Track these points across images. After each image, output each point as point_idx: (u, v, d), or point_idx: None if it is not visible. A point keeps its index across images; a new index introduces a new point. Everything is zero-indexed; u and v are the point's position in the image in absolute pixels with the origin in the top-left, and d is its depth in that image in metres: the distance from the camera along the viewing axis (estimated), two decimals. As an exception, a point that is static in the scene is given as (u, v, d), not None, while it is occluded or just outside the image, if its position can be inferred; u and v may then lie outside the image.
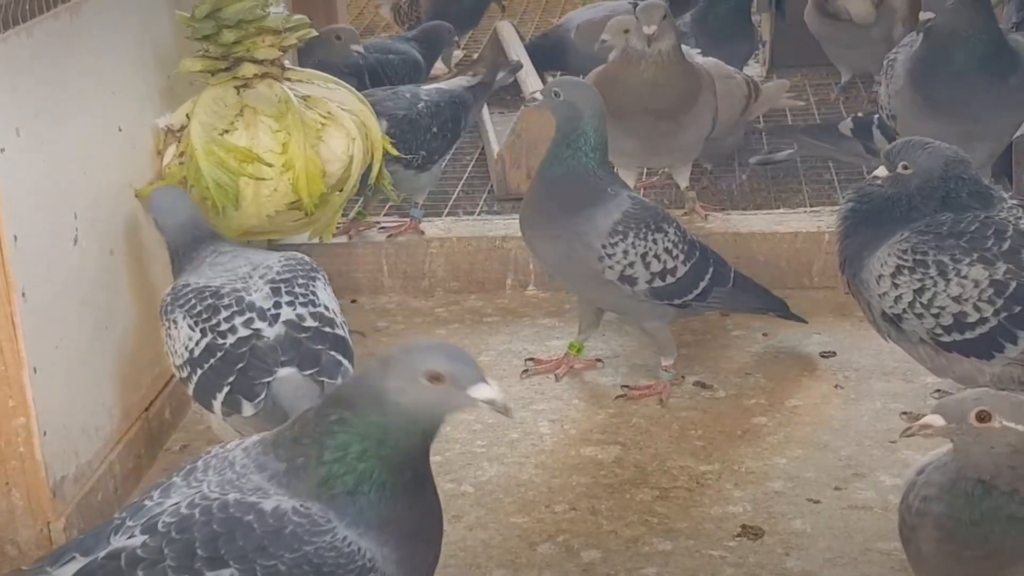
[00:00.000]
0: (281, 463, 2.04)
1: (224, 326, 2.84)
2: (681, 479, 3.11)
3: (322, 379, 2.80)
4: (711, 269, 3.46)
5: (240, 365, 2.79)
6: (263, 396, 2.77)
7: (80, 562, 2.04)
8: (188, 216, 3.11)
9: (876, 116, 4.27)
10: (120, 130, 3.23)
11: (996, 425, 2.06)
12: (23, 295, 2.69)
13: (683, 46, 4.13)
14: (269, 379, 2.78)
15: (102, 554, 2.03)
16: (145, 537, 2.00)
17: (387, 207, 4.48)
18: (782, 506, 2.98)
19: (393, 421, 2.00)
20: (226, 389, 2.79)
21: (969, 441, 2.09)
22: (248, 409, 2.77)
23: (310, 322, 2.87)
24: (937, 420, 2.10)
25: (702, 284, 3.44)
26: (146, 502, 2.08)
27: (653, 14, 3.86)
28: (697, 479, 3.11)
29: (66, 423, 2.88)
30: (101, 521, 2.73)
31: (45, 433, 2.77)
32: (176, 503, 2.04)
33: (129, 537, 2.02)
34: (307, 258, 3.06)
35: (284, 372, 2.79)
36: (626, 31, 4.09)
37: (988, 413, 2.06)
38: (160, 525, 2.01)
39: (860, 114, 4.38)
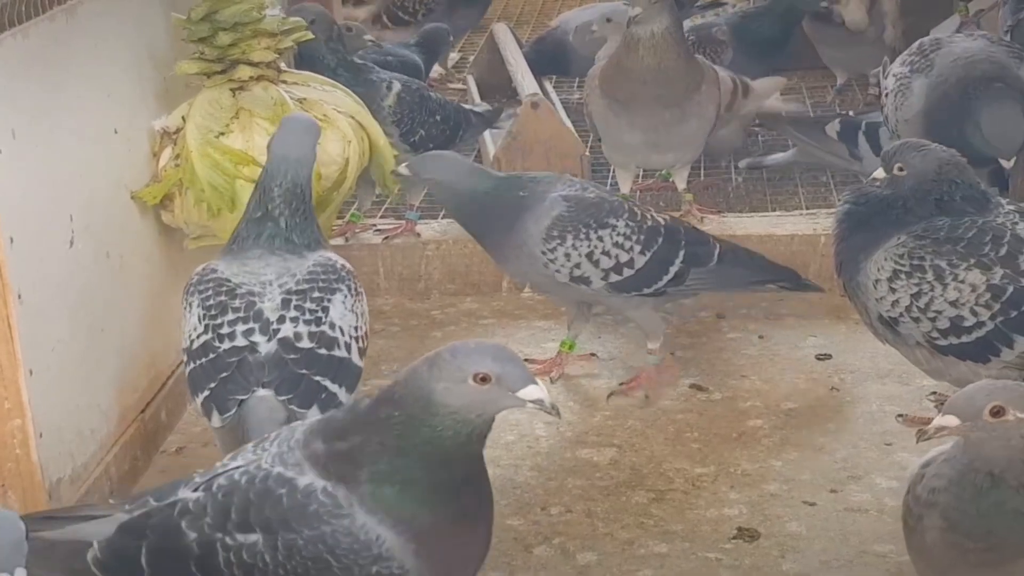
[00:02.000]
0: (322, 444, 2.11)
1: (225, 329, 2.79)
2: (677, 481, 3.11)
3: (292, 407, 2.71)
4: (682, 251, 3.38)
5: (224, 374, 2.75)
6: (232, 412, 2.72)
7: (150, 506, 2.19)
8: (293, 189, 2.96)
9: (864, 121, 4.25)
10: (116, 132, 3.22)
11: (1011, 418, 2.06)
12: (19, 297, 2.69)
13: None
14: (244, 397, 2.72)
15: (166, 502, 2.16)
16: (200, 493, 2.14)
17: (383, 209, 4.48)
18: (778, 508, 2.98)
19: (441, 421, 2.03)
20: (205, 393, 2.77)
21: (984, 436, 2.07)
22: (216, 421, 2.73)
23: (305, 342, 2.78)
24: (951, 420, 2.09)
25: (672, 269, 3.37)
26: (218, 464, 2.21)
27: None
28: (693, 481, 3.11)
29: (62, 425, 2.88)
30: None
31: (41, 435, 2.77)
32: (237, 467, 2.15)
33: (193, 491, 2.15)
34: (339, 265, 2.93)
35: (261, 393, 2.73)
36: (608, 20, 4.04)
37: (1002, 408, 2.06)
38: (215, 486, 2.13)
39: (850, 113, 4.32)
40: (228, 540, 2.09)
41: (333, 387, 2.76)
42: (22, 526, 1.91)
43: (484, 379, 2.03)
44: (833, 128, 4.28)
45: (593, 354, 3.66)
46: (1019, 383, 2.16)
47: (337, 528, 2.05)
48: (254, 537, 2.08)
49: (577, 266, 3.32)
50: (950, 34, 4.10)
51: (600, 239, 3.32)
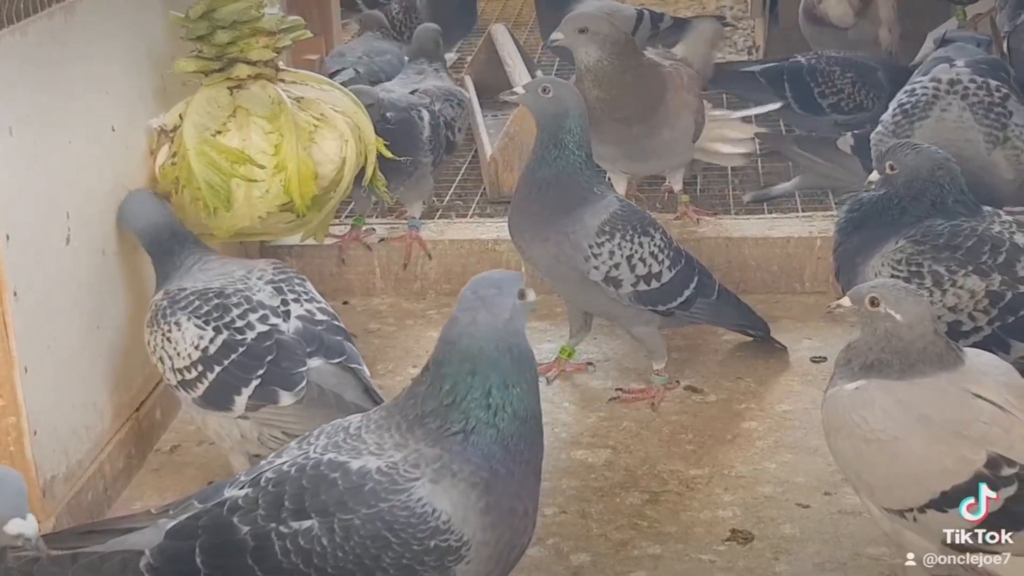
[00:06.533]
0: (400, 415, 2.20)
1: (240, 323, 2.86)
2: (671, 483, 3.11)
3: (353, 366, 2.85)
4: (696, 279, 3.47)
5: (270, 357, 2.82)
6: (303, 384, 2.79)
7: (196, 508, 2.26)
8: (161, 220, 3.15)
9: None
10: (113, 130, 3.22)
11: (881, 310, 2.45)
12: (15, 294, 2.69)
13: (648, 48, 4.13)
14: (304, 368, 2.81)
15: (213, 503, 2.21)
16: (248, 489, 2.19)
17: (379, 209, 4.47)
18: (772, 511, 2.99)
19: (519, 349, 2.21)
20: (255, 383, 2.80)
21: (864, 320, 2.49)
22: (287, 399, 2.79)
23: (320, 316, 2.93)
24: (847, 302, 2.53)
25: (686, 292, 3.45)
26: (262, 462, 2.28)
27: (564, 26, 3.84)
28: (687, 483, 3.11)
29: (56, 423, 2.88)
30: (91, 521, 2.75)
31: (35, 433, 2.77)
32: (283, 462, 2.21)
33: (239, 489, 2.19)
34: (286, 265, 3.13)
35: (315, 362, 2.83)
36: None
37: (877, 299, 2.46)
38: (263, 480, 2.19)
39: (858, 131, 4.21)
40: (283, 529, 2.13)
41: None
42: (22, 478, 2.08)
43: (522, 294, 2.28)
44: (846, 142, 4.16)
45: (590, 363, 3.67)
46: (909, 287, 2.55)
47: (395, 504, 2.10)
48: (309, 523, 2.12)
49: (616, 266, 3.34)
50: (950, 57, 3.91)
51: (641, 245, 3.37)
